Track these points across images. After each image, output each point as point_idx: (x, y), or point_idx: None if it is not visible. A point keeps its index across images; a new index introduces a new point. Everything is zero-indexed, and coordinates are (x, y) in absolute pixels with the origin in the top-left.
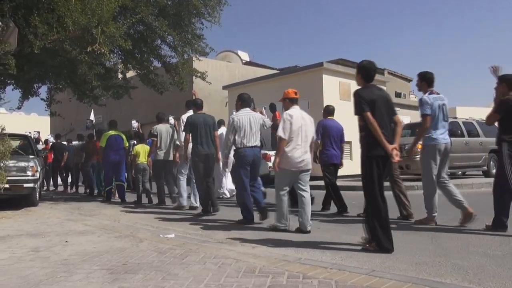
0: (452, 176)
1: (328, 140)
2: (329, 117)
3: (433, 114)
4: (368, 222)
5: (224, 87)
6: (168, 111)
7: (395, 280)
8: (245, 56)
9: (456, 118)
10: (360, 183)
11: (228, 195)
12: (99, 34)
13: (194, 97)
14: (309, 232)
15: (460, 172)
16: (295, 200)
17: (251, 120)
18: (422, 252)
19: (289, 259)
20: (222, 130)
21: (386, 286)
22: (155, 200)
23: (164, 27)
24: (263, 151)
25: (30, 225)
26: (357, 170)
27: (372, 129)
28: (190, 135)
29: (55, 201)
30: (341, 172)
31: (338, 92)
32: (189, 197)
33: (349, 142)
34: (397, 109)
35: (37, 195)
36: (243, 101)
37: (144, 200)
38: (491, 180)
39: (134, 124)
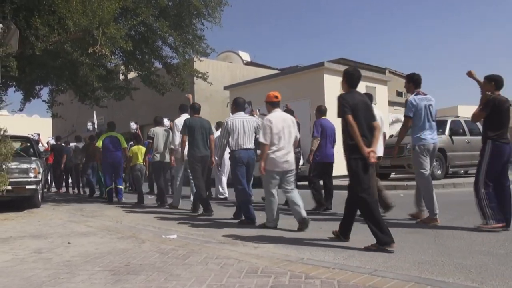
0: (455, 174)
1: (324, 139)
2: (322, 117)
3: (419, 115)
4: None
5: (225, 88)
6: (169, 112)
7: (398, 279)
8: (246, 57)
9: (458, 116)
10: None
11: (227, 195)
12: (100, 36)
13: (189, 101)
14: (305, 218)
15: (462, 171)
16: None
17: (244, 124)
18: (424, 251)
19: (291, 259)
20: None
21: (388, 285)
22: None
23: (165, 28)
24: None
25: (33, 227)
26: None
27: (351, 132)
28: (187, 137)
29: (58, 203)
30: (341, 172)
31: (339, 92)
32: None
33: None
34: (398, 108)
35: (40, 196)
36: (237, 105)
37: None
38: None
39: (133, 125)
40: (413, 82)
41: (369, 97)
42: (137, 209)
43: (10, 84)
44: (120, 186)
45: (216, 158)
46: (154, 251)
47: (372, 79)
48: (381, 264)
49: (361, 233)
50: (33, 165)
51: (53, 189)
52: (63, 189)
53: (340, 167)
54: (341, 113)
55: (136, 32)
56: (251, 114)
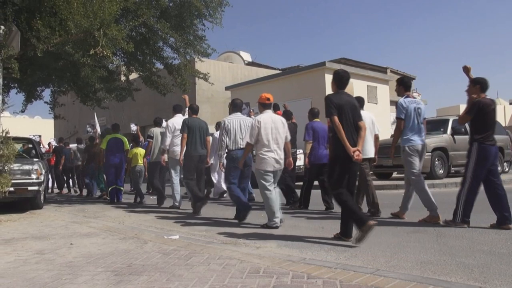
0: (457, 174)
1: (316, 142)
2: (315, 120)
3: (409, 117)
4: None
5: (227, 88)
6: (171, 112)
7: (400, 279)
8: (247, 57)
9: (459, 116)
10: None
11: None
12: (101, 37)
13: (185, 102)
14: (280, 222)
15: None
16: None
17: (241, 124)
18: (427, 251)
19: (293, 259)
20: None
21: (391, 285)
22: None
23: (166, 29)
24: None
25: (35, 228)
26: None
27: (337, 131)
28: (186, 135)
29: (60, 204)
30: None
31: None
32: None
33: None
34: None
35: (42, 198)
36: (234, 106)
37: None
38: None
39: (133, 127)
40: (403, 85)
41: (360, 101)
42: (139, 210)
43: (12, 85)
44: (121, 187)
45: (217, 156)
46: (156, 251)
47: (374, 79)
48: (383, 264)
49: None
50: (35, 167)
51: (56, 190)
52: (65, 190)
53: None
54: (327, 114)
55: (137, 33)
56: (249, 115)
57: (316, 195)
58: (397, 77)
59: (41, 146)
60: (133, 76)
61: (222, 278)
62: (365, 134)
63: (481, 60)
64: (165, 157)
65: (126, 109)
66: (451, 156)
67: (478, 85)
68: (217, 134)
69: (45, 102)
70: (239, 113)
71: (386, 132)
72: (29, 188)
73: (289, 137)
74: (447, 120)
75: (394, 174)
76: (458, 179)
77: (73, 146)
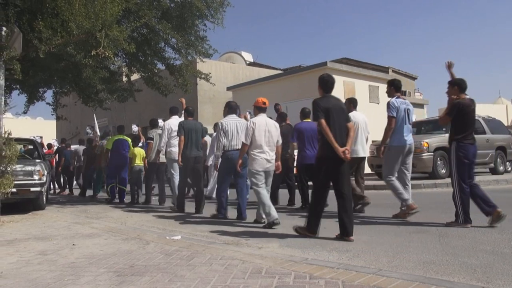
0: None
1: (302, 143)
2: (305, 120)
3: (399, 116)
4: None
5: (228, 88)
6: None
7: (403, 279)
8: (249, 57)
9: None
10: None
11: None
12: (103, 38)
13: (182, 105)
14: (264, 223)
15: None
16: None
17: (237, 125)
18: (429, 251)
19: (295, 260)
20: None
21: (393, 285)
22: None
23: (167, 29)
24: None
25: (38, 229)
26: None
27: (324, 134)
28: (183, 137)
29: (62, 205)
30: None
31: (343, 91)
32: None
33: None
34: None
35: (44, 198)
36: (229, 108)
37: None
38: (498, 177)
39: (135, 128)
40: (394, 86)
41: (353, 102)
42: (141, 210)
43: (14, 87)
44: (124, 188)
45: (214, 158)
46: (158, 252)
47: (375, 78)
48: (386, 264)
49: (366, 234)
50: (38, 168)
51: (58, 190)
52: (67, 191)
53: None
54: (314, 117)
55: (138, 34)
56: (240, 116)
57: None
58: (399, 76)
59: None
60: (135, 77)
61: (224, 279)
62: (353, 135)
63: (483, 59)
64: (161, 157)
65: (127, 110)
66: None
67: (456, 86)
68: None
69: (47, 103)
70: (234, 115)
71: None
72: (32, 189)
73: (280, 141)
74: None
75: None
76: None
77: (75, 147)
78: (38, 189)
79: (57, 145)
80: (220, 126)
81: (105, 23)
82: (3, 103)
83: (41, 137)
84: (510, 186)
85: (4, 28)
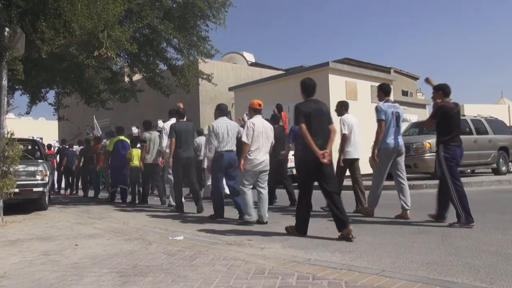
0: (461, 174)
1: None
2: None
3: (387, 120)
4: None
5: (230, 89)
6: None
7: (406, 280)
8: (251, 57)
9: (464, 115)
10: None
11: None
12: (105, 38)
13: (180, 109)
14: (265, 222)
15: (469, 170)
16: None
17: (228, 127)
18: (432, 251)
19: (298, 260)
20: None
21: (396, 286)
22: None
23: (169, 30)
24: None
25: (40, 229)
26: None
27: (304, 138)
28: (174, 139)
29: (65, 205)
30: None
31: (345, 92)
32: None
33: None
34: (404, 107)
35: (47, 199)
36: (220, 111)
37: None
38: (501, 178)
39: (134, 130)
40: (382, 91)
41: (345, 105)
42: (143, 211)
43: (16, 87)
44: (126, 187)
45: (207, 159)
46: (161, 252)
47: (377, 79)
48: (389, 265)
49: (369, 234)
50: (40, 168)
51: (61, 191)
52: (68, 191)
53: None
54: (295, 122)
55: (141, 34)
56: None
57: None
58: (401, 77)
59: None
60: (137, 77)
61: (227, 279)
62: (334, 137)
63: (485, 60)
64: (163, 158)
65: (129, 110)
66: None
67: (440, 90)
68: None
69: (49, 104)
70: (225, 117)
71: None
72: (34, 189)
73: (273, 143)
74: None
75: None
76: (463, 179)
77: (76, 147)
78: (40, 189)
79: (58, 146)
80: (211, 129)
81: (108, 23)
82: (5, 103)
83: (41, 138)
84: None
85: (7, 29)
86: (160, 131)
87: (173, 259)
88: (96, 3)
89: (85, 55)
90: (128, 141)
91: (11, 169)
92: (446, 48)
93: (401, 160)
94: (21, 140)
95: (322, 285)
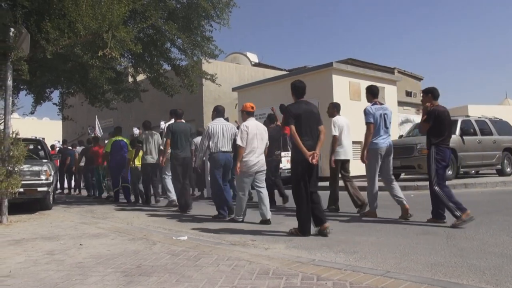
0: (466, 175)
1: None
2: None
3: (375, 122)
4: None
5: (234, 89)
6: None
7: (411, 281)
8: (254, 58)
9: (468, 116)
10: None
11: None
12: (109, 39)
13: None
14: (268, 220)
15: (473, 171)
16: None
17: (224, 129)
18: (437, 252)
19: (302, 261)
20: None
21: (401, 287)
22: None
23: (173, 30)
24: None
25: (45, 229)
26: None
27: (293, 139)
28: (169, 140)
29: (69, 205)
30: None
31: (348, 92)
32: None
33: (358, 142)
34: (407, 108)
35: (51, 198)
36: (217, 112)
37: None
38: (506, 179)
39: (136, 131)
40: (370, 93)
41: (337, 106)
42: (147, 211)
43: (21, 87)
44: (128, 185)
45: (198, 159)
46: (165, 252)
47: (381, 79)
48: (394, 266)
49: (373, 235)
50: (45, 168)
51: (65, 191)
52: (72, 191)
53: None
54: (285, 123)
55: (145, 34)
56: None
57: (323, 196)
58: (405, 77)
59: None
60: (141, 77)
61: (231, 279)
62: (324, 138)
63: (490, 60)
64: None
65: (133, 110)
66: (460, 157)
67: (430, 94)
68: None
69: (54, 104)
70: (221, 119)
71: (395, 133)
72: (39, 189)
73: (268, 144)
74: (456, 121)
75: (402, 175)
76: (468, 180)
77: (79, 148)
78: (45, 189)
79: (60, 146)
80: (207, 129)
81: (112, 24)
82: (10, 103)
83: (43, 138)
84: None
85: (12, 29)
86: (161, 133)
87: (177, 259)
88: (101, 4)
89: (89, 55)
90: (126, 141)
91: (16, 169)
92: (450, 48)
93: (389, 160)
94: (25, 140)
95: (327, 285)
